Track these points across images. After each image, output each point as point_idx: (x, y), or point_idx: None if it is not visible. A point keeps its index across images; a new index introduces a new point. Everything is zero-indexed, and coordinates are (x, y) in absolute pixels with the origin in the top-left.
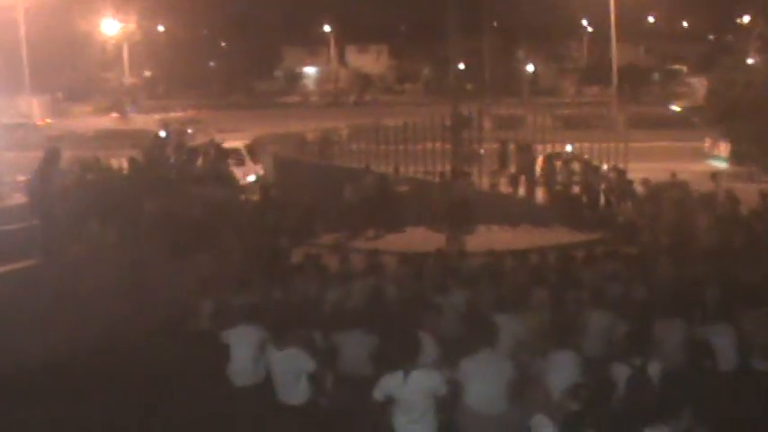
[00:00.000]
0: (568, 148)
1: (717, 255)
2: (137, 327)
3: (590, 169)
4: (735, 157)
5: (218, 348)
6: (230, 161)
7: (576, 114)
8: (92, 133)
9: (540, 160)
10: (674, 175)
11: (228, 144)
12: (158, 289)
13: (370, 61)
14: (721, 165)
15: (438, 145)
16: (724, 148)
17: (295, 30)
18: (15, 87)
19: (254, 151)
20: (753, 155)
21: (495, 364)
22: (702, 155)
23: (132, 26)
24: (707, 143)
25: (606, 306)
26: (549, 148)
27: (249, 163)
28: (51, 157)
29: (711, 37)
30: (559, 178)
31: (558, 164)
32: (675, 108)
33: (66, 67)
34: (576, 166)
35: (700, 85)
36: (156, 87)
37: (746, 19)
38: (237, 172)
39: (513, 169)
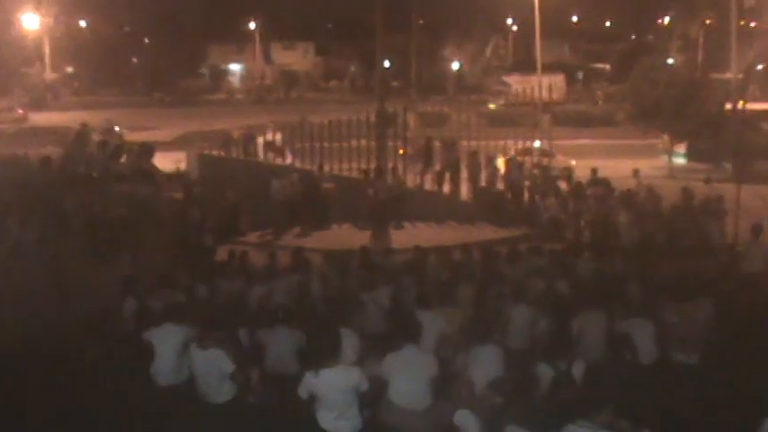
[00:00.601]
0: (537, 144)
1: (638, 250)
2: (58, 327)
3: (514, 166)
4: (692, 153)
5: (140, 348)
6: None
7: (502, 112)
8: (12, 130)
9: (468, 159)
10: (594, 171)
11: None
12: (80, 289)
13: (297, 58)
14: (680, 161)
15: (363, 142)
16: (682, 145)
17: (220, 26)
18: None
19: None
20: (708, 152)
21: (418, 359)
22: (657, 151)
23: (53, 21)
24: (663, 140)
25: (529, 301)
26: (473, 145)
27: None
28: None
29: (633, 37)
30: (484, 175)
31: (483, 160)
32: (491, 106)
33: None
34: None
35: (515, 83)
36: (79, 83)
37: (667, 20)
38: None
39: (438, 166)
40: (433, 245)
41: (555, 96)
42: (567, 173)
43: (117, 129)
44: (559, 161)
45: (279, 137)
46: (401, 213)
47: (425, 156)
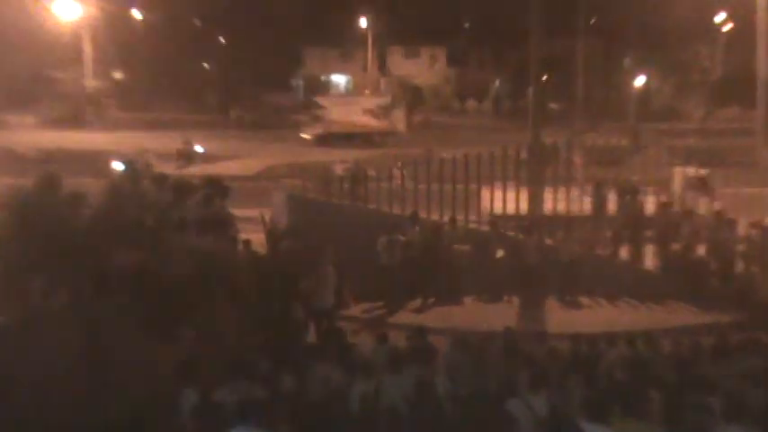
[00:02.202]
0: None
1: None
2: (94, 421)
3: (723, 224)
4: None
5: None
6: None
7: (704, 147)
8: (34, 153)
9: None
10: None
11: None
12: (123, 374)
13: (421, 69)
14: None
15: (512, 185)
16: None
17: (320, 25)
18: None
19: None
20: None
21: None
22: None
23: (97, 10)
24: None
25: (746, 420)
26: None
27: None
28: None
29: None
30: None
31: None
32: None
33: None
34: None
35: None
36: (130, 95)
37: None
38: None
39: (613, 222)
40: (604, 331)
41: None
42: None
43: (200, 149)
44: None
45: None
46: (562, 285)
47: (596, 207)
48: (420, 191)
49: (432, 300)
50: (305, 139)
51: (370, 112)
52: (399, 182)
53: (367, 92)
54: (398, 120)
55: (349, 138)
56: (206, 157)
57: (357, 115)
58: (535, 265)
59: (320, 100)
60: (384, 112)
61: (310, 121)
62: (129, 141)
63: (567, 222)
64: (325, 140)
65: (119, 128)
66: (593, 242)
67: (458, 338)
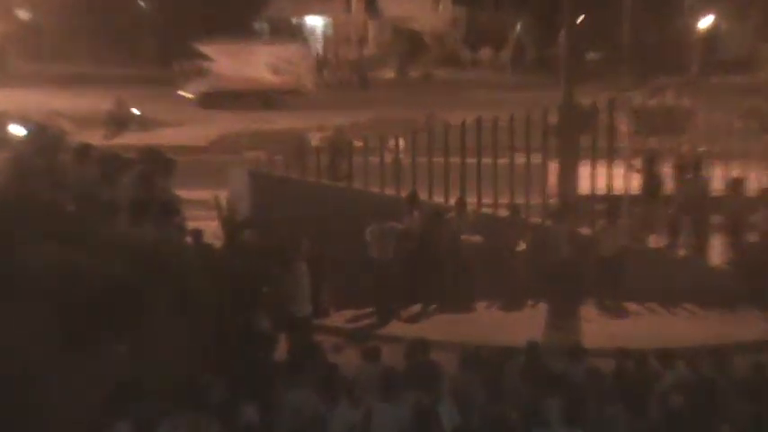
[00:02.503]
0: None
1: None
2: None
3: None
4: None
5: None
6: None
7: None
8: None
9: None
10: None
11: None
12: (39, 397)
13: (422, 9)
14: None
15: (537, 159)
16: None
17: None
18: None
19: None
20: None
21: None
22: None
23: None
24: None
25: None
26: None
27: None
28: None
29: None
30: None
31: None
32: None
33: None
34: None
35: None
36: (41, 41)
37: None
38: None
39: (670, 205)
40: (657, 346)
41: None
42: None
43: (136, 113)
44: None
45: (401, 145)
46: (603, 286)
47: (647, 186)
48: (420, 166)
49: (435, 305)
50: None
51: (272, 65)
52: (395, 155)
53: (266, 37)
54: (306, 75)
55: (241, 97)
56: (143, 123)
57: (253, 69)
58: (567, 261)
59: (205, 48)
60: (289, 65)
61: (192, 75)
62: (37, 101)
63: (609, 206)
64: (211, 101)
65: (25, 83)
66: (643, 232)
67: (468, 355)
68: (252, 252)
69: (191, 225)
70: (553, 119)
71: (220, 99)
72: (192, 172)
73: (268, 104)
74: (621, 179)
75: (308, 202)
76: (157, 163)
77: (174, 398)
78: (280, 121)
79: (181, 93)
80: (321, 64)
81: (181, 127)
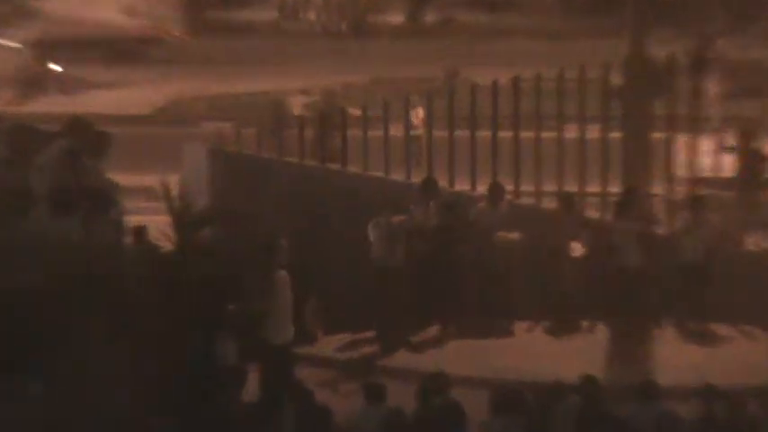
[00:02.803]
0: None
1: None
2: None
3: None
4: None
5: None
6: None
7: None
8: None
9: None
10: None
11: None
12: None
13: None
14: None
15: (594, 132)
16: None
17: None
18: None
19: None
20: None
21: None
22: None
23: None
24: None
25: None
26: None
27: None
28: None
29: None
30: None
31: None
32: None
33: None
34: None
35: None
36: None
37: None
38: None
39: None
40: (756, 384)
41: None
42: None
43: (57, 68)
44: None
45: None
46: (683, 302)
47: (745, 170)
48: (438, 142)
49: (457, 327)
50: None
51: (126, 3)
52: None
53: None
54: (169, 18)
55: (85, 48)
56: (66, 83)
57: (101, 9)
58: (637, 268)
59: None
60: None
61: (13, 17)
62: None
63: (692, 196)
64: (44, 51)
65: None
66: (738, 229)
67: (502, 394)
68: (213, 257)
69: (131, 221)
70: (617, 77)
71: (57, 49)
72: (132, 149)
73: (124, 57)
74: (709, 159)
75: (288, 191)
76: (86, 137)
77: None
78: (250, 82)
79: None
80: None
81: (117, 89)
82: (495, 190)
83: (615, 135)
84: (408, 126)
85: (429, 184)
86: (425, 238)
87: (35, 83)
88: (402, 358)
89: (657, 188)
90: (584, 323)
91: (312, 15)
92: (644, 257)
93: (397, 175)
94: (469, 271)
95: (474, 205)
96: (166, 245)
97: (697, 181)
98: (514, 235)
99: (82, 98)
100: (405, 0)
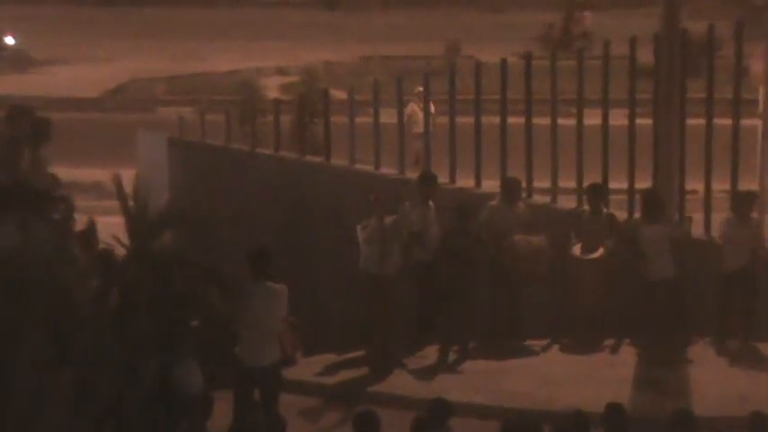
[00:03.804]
0: None
1: None
2: None
3: None
4: None
5: None
6: None
7: None
8: None
9: None
10: None
11: None
12: None
13: None
14: None
15: (620, 118)
16: None
17: None
18: None
19: None
20: None
21: None
22: None
23: None
24: None
25: None
26: None
27: None
28: None
29: None
30: None
31: None
32: None
33: None
34: None
35: None
36: None
37: None
38: None
39: None
40: None
41: None
42: None
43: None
44: None
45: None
46: (730, 316)
47: None
48: (437, 129)
49: (462, 346)
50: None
51: None
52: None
53: None
54: None
55: None
56: (15, 58)
57: None
58: (671, 277)
59: None
60: None
61: None
62: None
63: (735, 192)
64: None
65: None
66: None
67: (514, 424)
68: (174, 265)
69: (81, 222)
70: (646, 53)
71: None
72: (79, 139)
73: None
74: (755, 148)
75: (262, 187)
76: (23, 124)
77: None
78: (216, 59)
79: None
80: None
81: (66, 64)
82: (511, 186)
83: (644, 122)
84: (402, 112)
85: (427, 180)
86: (425, 241)
87: None
88: (397, 383)
89: (694, 184)
90: (608, 341)
91: None
92: (678, 267)
93: (390, 170)
94: (479, 281)
95: (485, 205)
96: (119, 251)
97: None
98: (537, 239)
99: (27, 76)
100: None
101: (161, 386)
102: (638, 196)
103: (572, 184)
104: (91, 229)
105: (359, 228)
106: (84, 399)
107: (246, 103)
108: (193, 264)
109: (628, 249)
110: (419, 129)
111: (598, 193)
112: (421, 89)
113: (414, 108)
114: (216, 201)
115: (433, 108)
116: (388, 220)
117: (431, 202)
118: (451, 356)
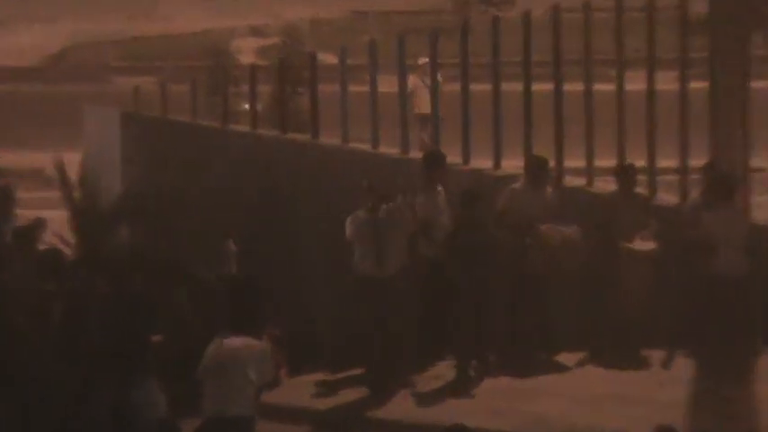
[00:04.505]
0: None
1: None
2: None
3: None
4: None
5: None
6: None
7: None
8: None
9: None
10: None
11: None
12: None
13: None
14: None
15: (668, 82)
16: None
17: None
18: None
19: None
20: None
21: None
22: None
23: None
24: None
25: None
26: None
27: None
28: None
29: None
30: None
31: None
32: None
33: None
34: None
35: None
36: None
37: None
38: None
39: None
40: None
41: None
42: None
43: None
44: None
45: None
46: None
47: None
48: (446, 99)
49: (479, 361)
50: None
51: None
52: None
53: None
54: None
55: None
56: None
57: None
58: (733, 275)
59: None
60: None
61: None
62: None
63: None
64: None
65: None
66: None
67: None
68: (129, 266)
69: (20, 215)
70: (699, 5)
71: None
72: (14, 116)
73: None
74: None
75: (235, 171)
76: None
77: None
78: (180, 18)
79: None
80: None
81: (5, 26)
82: (538, 166)
83: (698, 85)
84: (405, 79)
85: (435, 161)
86: (433, 237)
87: None
88: (401, 407)
89: (760, 160)
90: (656, 355)
91: None
92: (745, 260)
93: (390, 148)
94: (497, 281)
95: (505, 189)
96: (63, 249)
97: None
98: (569, 230)
99: None
100: None
101: (116, 412)
102: (699, 176)
103: (611, 162)
104: (33, 227)
105: (347, 221)
106: (25, 427)
107: (216, 70)
108: (155, 263)
109: (687, 239)
110: (423, 109)
111: (629, 174)
112: (425, 60)
113: (416, 83)
114: (180, 188)
115: (439, 77)
116: (387, 210)
117: (439, 188)
118: (465, 373)
